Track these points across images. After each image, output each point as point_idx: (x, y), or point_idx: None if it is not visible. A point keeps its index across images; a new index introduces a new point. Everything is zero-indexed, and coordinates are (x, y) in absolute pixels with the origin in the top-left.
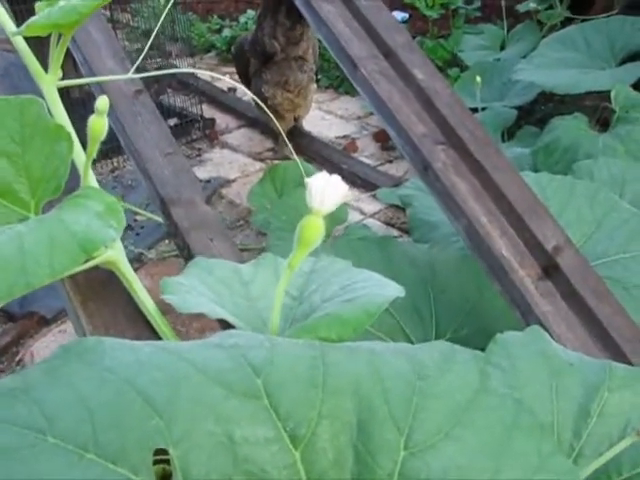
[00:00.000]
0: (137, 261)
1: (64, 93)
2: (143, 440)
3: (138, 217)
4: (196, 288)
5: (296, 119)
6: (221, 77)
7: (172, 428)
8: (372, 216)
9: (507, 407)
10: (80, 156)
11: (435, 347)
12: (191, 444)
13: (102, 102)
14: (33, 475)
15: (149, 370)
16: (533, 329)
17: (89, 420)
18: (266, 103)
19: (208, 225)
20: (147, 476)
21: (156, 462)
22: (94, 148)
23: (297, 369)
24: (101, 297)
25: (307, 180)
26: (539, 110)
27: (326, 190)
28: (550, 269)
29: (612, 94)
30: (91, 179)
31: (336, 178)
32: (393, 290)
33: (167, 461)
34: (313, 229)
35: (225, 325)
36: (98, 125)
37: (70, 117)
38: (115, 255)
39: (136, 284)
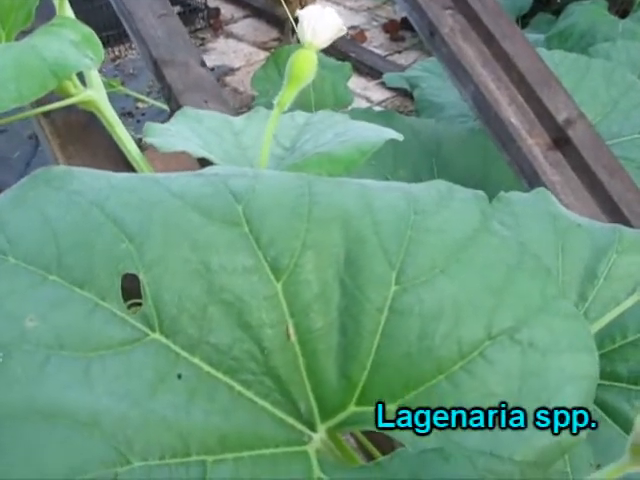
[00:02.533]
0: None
1: None
2: (111, 264)
3: (139, 104)
4: (183, 133)
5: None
6: None
7: (143, 253)
8: (379, 104)
9: (510, 248)
10: None
11: (432, 185)
12: (164, 270)
13: None
14: None
15: (120, 193)
16: (539, 191)
17: (53, 241)
18: None
19: (203, 87)
20: (116, 301)
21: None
22: None
23: (281, 197)
24: (81, 140)
25: (299, 12)
26: (555, 2)
27: (319, 22)
28: (561, 141)
29: None
30: (67, 10)
31: (330, 10)
32: (389, 133)
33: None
34: (305, 63)
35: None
36: None
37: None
38: (95, 94)
39: (118, 126)
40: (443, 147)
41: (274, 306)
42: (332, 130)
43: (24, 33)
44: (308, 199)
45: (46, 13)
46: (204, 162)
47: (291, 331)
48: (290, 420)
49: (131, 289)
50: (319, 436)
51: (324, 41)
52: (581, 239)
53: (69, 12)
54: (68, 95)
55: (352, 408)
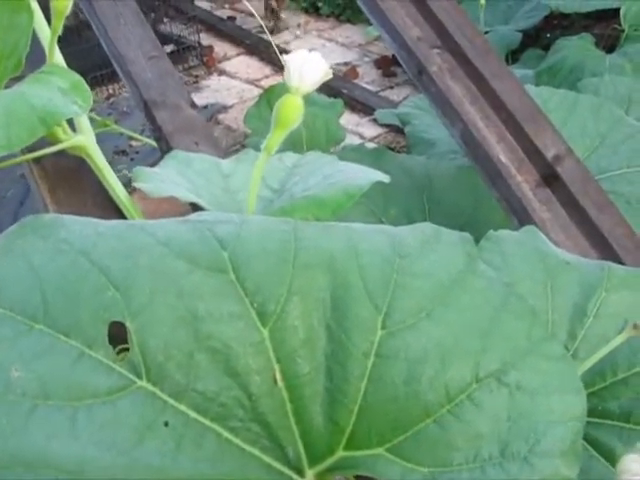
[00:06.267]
0: (130, 185)
1: None
2: (98, 312)
3: (133, 142)
4: (172, 178)
5: None
6: None
7: (130, 300)
8: (371, 140)
9: (495, 289)
10: (48, 37)
11: (418, 228)
12: (150, 317)
13: None
14: None
15: (107, 241)
16: (528, 229)
17: (39, 290)
18: None
19: (193, 129)
20: (102, 349)
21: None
22: (59, 23)
23: (266, 243)
24: (70, 185)
25: (285, 57)
26: (545, 37)
27: (305, 66)
28: (550, 178)
29: (622, 11)
30: (57, 57)
31: (316, 54)
32: (377, 175)
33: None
34: (291, 108)
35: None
36: None
37: (63, 46)
38: (85, 140)
39: (107, 171)
40: (434, 184)
41: (261, 352)
42: (320, 172)
43: (14, 79)
44: (294, 244)
45: (36, 59)
46: (194, 204)
47: (278, 377)
48: (278, 466)
49: (120, 335)
50: None
51: (311, 85)
52: (570, 277)
53: (59, 59)
54: (58, 141)
55: (340, 453)
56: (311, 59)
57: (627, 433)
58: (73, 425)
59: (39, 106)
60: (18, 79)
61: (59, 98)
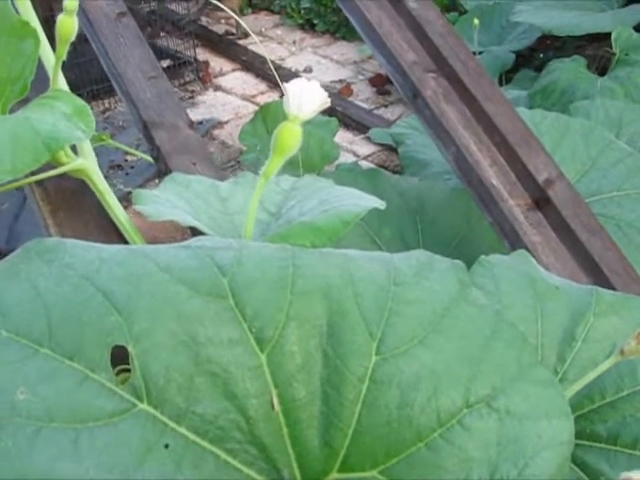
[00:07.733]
0: (126, 200)
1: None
2: (101, 336)
3: (128, 157)
4: (171, 200)
5: None
6: None
7: (132, 325)
8: (365, 158)
9: (487, 317)
10: (51, 62)
11: (412, 255)
12: (151, 342)
13: (71, 1)
14: None
15: (110, 266)
16: (519, 253)
17: (44, 315)
18: None
19: (191, 149)
20: (105, 373)
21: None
22: (63, 50)
23: (265, 270)
24: (72, 207)
25: (284, 85)
26: (538, 58)
27: (304, 95)
28: (541, 202)
29: (613, 36)
30: (61, 82)
31: (314, 83)
32: (372, 202)
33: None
34: (289, 135)
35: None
36: (67, 25)
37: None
38: (87, 163)
39: (108, 194)
40: (427, 205)
41: (259, 376)
42: (317, 196)
43: (19, 102)
44: (292, 271)
45: (40, 81)
46: (193, 227)
47: (275, 401)
48: None
49: (120, 354)
50: None
51: (309, 114)
52: (559, 302)
53: (63, 84)
54: (60, 163)
55: (334, 475)
56: (310, 88)
57: (614, 456)
58: (76, 447)
59: (44, 131)
60: (23, 102)
61: (63, 123)
